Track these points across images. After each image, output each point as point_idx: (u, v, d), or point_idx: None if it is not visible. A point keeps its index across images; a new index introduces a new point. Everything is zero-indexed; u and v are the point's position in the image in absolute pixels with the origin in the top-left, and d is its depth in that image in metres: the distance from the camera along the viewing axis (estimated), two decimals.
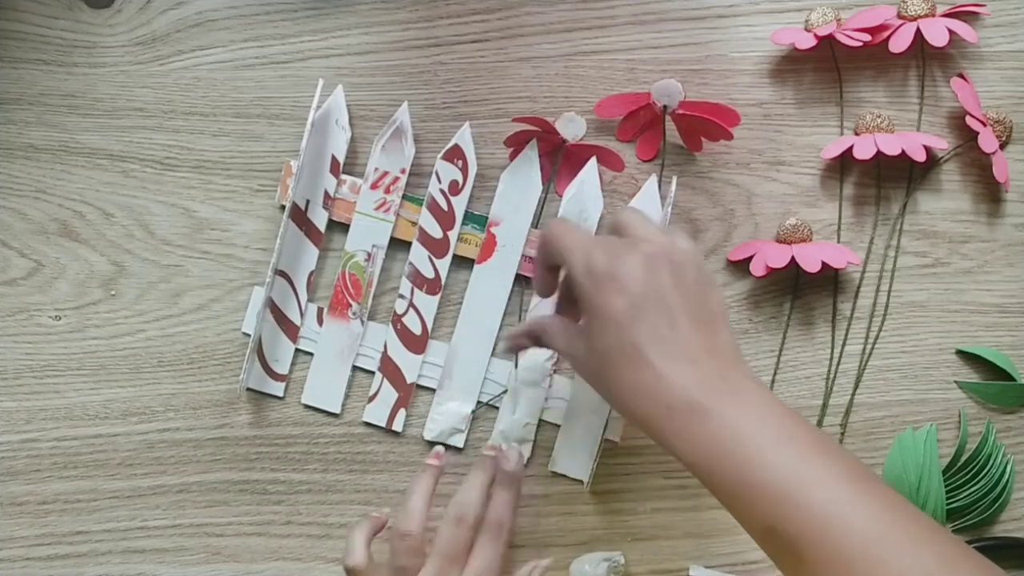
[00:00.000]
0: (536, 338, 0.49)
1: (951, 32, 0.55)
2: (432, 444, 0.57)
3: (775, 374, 0.57)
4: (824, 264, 0.54)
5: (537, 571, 0.53)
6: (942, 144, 0.56)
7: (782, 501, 0.39)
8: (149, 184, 0.58)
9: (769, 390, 0.44)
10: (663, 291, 0.43)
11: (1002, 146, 0.57)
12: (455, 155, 0.56)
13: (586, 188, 0.56)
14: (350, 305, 0.56)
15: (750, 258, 0.56)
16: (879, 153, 0.54)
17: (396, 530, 0.50)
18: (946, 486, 0.57)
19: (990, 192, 0.58)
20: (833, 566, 0.37)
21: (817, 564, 0.38)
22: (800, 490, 0.39)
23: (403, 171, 0.56)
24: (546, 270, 0.48)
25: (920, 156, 0.55)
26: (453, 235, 0.56)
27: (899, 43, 0.55)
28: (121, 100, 0.58)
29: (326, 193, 0.56)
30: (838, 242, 0.57)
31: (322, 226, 0.56)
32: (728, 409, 0.41)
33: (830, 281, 0.58)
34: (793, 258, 0.54)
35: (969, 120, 0.56)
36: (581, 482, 0.57)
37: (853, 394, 0.57)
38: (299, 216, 0.56)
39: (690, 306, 0.43)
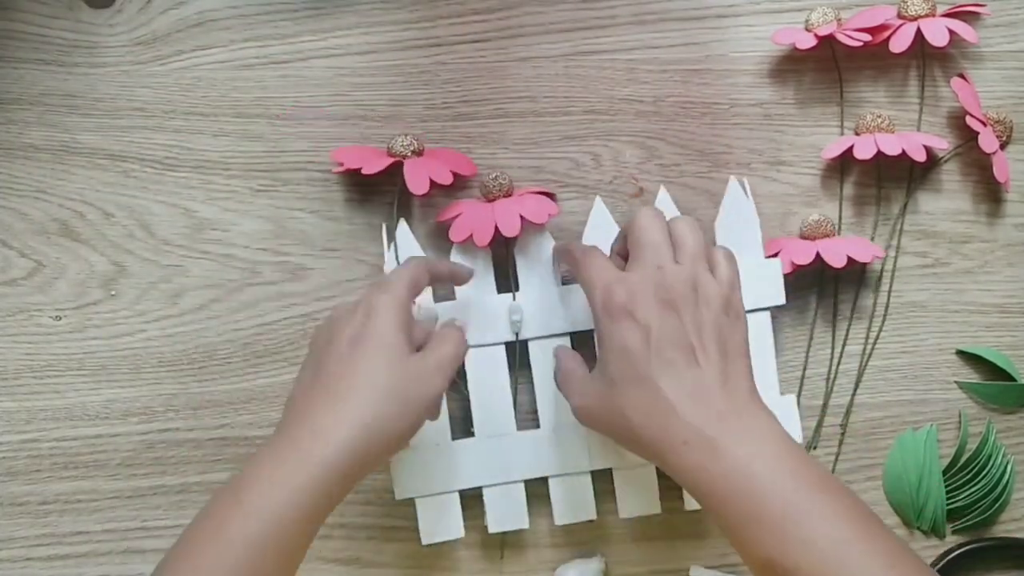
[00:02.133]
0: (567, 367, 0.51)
1: (951, 32, 0.55)
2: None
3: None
4: (850, 259, 0.54)
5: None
6: (942, 144, 0.56)
7: (784, 536, 0.40)
8: (149, 184, 0.58)
9: (780, 425, 0.44)
10: (682, 326, 0.44)
11: (1002, 146, 0.57)
12: None
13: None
14: None
15: (774, 255, 0.56)
16: (879, 153, 0.54)
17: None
18: (946, 486, 0.57)
19: (990, 192, 0.58)
20: None
21: None
22: (802, 526, 0.40)
23: None
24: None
25: (920, 156, 0.55)
26: None
27: (899, 43, 0.55)
28: (121, 100, 0.58)
29: None
30: None
31: None
32: (741, 447, 0.42)
33: (830, 281, 0.58)
34: (818, 254, 0.54)
35: (969, 120, 0.56)
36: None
37: (853, 394, 0.57)
38: None
39: (709, 341, 0.44)
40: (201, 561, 0.40)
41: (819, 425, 0.57)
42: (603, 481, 0.56)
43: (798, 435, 0.54)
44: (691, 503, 0.56)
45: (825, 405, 0.57)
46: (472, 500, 0.56)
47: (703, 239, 0.48)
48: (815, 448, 0.57)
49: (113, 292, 0.58)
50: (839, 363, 0.57)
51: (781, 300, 0.54)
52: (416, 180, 0.54)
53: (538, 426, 0.55)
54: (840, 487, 0.43)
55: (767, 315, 0.55)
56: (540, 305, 0.55)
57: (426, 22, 0.58)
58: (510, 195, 0.56)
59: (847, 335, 0.57)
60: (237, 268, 0.58)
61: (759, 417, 0.43)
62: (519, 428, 0.55)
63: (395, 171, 0.55)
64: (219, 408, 0.57)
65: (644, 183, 0.58)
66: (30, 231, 0.58)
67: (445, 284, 0.55)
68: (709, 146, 0.58)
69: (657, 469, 0.55)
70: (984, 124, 0.56)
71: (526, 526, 0.55)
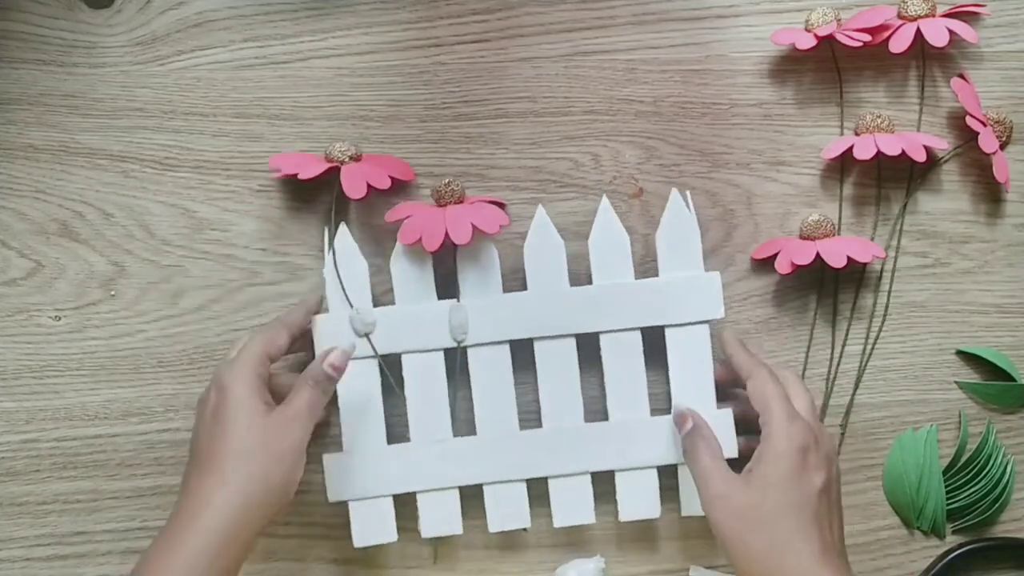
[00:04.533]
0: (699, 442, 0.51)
1: (951, 32, 0.55)
2: None
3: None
4: (850, 259, 0.54)
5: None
6: (942, 144, 0.56)
7: None
8: (149, 184, 0.58)
9: None
10: (834, 488, 0.49)
11: (1002, 146, 0.57)
12: None
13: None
14: None
15: (771, 257, 0.56)
16: (879, 153, 0.54)
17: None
18: (946, 487, 0.57)
19: (990, 192, 0.58)
20: None
21: None
22: None
23: None
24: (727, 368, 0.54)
25: (920, 156, 0.55)
26: None
27: (899, 43, 0.56)
28: (121, 100, 0.58)
29: None
30: None
31: None
32: None
33: (831, 281, 0.58)
34: (818, 254, 0.54)
35: (969, 120, 0.56)
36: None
37: (853, 394, 0.57)
38: None
39: (838, 508, 0.49)
40: None
41: None
42: (604, 483, 0.55)
43: (732, 448, 0.54)
44: (688, 508, 0.55)
45: (825, 405, 0.57)
46: (472, 500, 0.55)
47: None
48: None
49: (113, 292, 0.58)
50: (839, 363, 0.57)
51: (720, 313, 0.54)
52: (352, 185, 0.54)
53: (475, 432, 0.55)
54: None
55: (706, 328, 0.55)
56: (482, 313, 0.55)
57: (426, 22, 0.58)
58: (461, 202, 0.56)
59: (847, 335, 0.57)
60: (237, 268, 0.58)
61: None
62: (457, 434, 0.55)
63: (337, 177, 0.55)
64: None
65: (644, 183, 0.58)
66: (29, 231, 0.58)
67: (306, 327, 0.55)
68: (709, 146, 0.58)
69: (657, 471, 0.55)
70: (984, 124, 0.56)
71: (460, 532, 0.55)
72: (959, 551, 0.56)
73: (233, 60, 0.58)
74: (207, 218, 0.58)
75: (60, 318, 0.57)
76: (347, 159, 0.55)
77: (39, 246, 0.58)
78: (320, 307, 0.55)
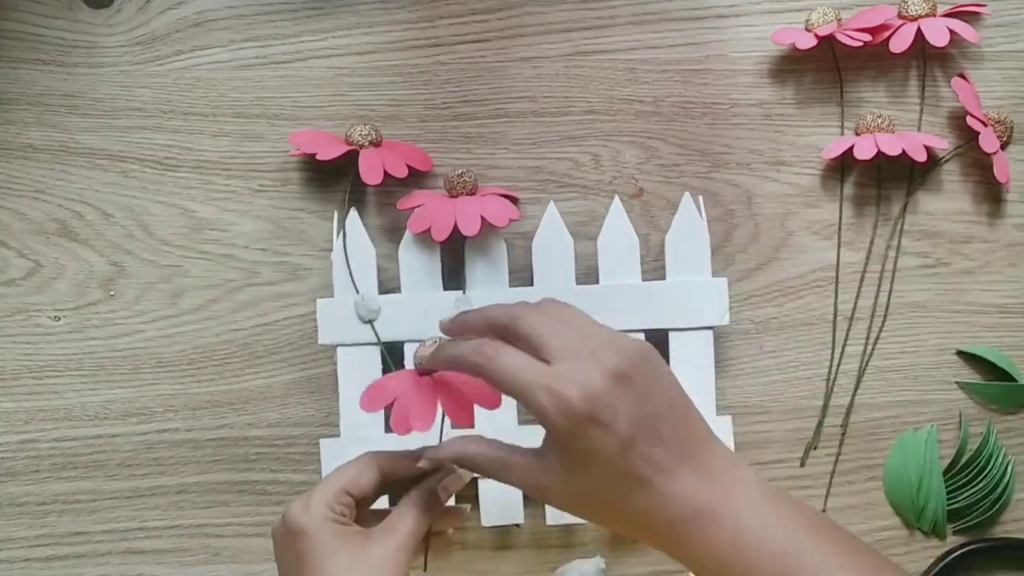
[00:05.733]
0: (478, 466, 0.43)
1: (952, 32, 0.55)
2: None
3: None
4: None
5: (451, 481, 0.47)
6: (943, 144, 0.56)
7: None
8: (148, 184, 0.58)
9: (753, 472, 0.42)
10: (647, 413, 0.40)
11: (1003, 146, 0.57)
12: None
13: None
14: None
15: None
16: (880, 153, 0.54)
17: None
18: (947, 487, 0.56)
19: (991, 192, 0.58)
20: None
21: None
22: (796, 571, 0.40)
23: None
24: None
25: (921, 156, 0.55)
26: None
27: (900, 43, 0.55)
28: (120, 100, 0.58)
29: None
30: (839, 243, 0.57)
31: None
32: (722, 508, 0.40)
33: (831, 281, 0.58)
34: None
35: (970, 120, 0.55)
36: None
37: (854, 395, 0.57)
38: None
39: (670, 413, 0.41)
40: None
41: (819, 425, 0.57)
42: None
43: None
44: None
45: (825, 405, 0.57)
46: (469, 500, 0.55)
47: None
48: (815, 448, 0.57)
49: (112, 292, 0.58)
50: (839, 363, 0.57)
51: (724, 320, 0.54)
52: (370, 170, 0.54)
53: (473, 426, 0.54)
54: (828, 525, 0.42)
55: (710, 334, 0.55)
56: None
57: (426, 22, 0.58)
58: (474, 194, 0.56)
59: (847, 335, 0.57)
60: (236, 268, 0.58)
61: (731, 470, 0.42)
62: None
63: (355, 161, 0.55)
64: (218, 409, 0.57)
65: (644, 183, 0.58)
66: (29, 231, 0.58)
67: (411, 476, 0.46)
68: (709, 146, 0.58)
69: None
70: (985, 124, 0.56)
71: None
72: (960, 551, 0.56)
73: (233, 60, 0.58)
74: (207, 218, 0.58)
75: (59, 318, 0.57)
76: (367, 143, 0.55)
77: (38, 246, 0.58)
78: (447, 493, 0.47)
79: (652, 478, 0.40)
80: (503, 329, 0.42)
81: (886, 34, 0.56)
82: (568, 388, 0.39)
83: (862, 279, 0.58)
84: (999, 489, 0.56)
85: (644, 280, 0.55)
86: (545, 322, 0.41)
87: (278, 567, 0.44)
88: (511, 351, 0.41)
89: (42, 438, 0.57)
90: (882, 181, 0.58)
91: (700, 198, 0.56)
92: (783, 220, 0.58)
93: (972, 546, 0.56)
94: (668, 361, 0.55)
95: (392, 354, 0.55)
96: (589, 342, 0.40)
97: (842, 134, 0.58)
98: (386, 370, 0.55)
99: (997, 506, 0.56)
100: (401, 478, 0.46)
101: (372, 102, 0.58)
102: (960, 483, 0.57)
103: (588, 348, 0.40)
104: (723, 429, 0.54)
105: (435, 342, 0.46)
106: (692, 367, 0.54)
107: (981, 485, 0.56)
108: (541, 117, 0.58)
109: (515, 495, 0.55)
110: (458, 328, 0.45)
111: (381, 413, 0.55)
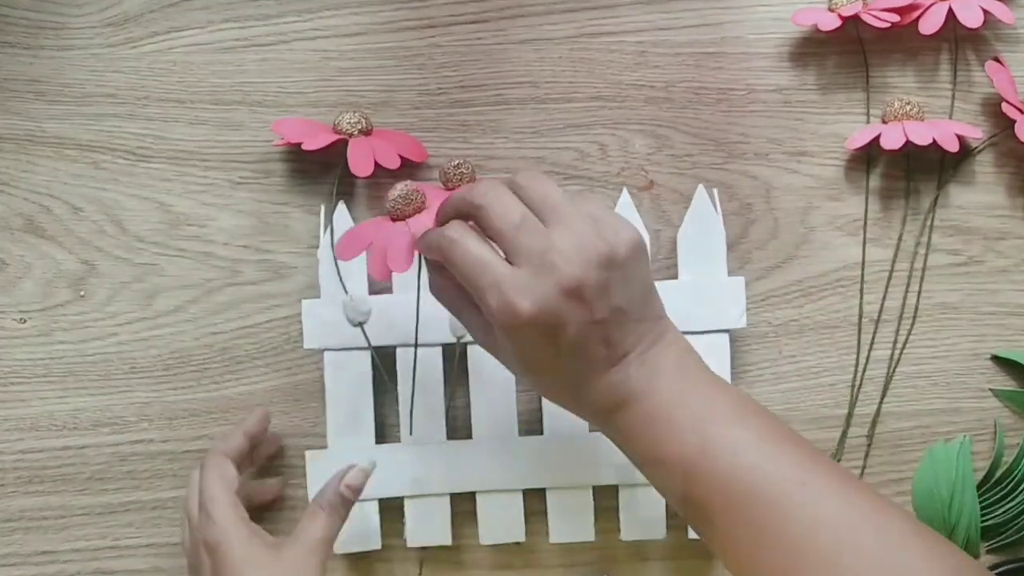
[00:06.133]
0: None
1: (985, 12, 0.55)
2: None
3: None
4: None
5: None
6: (976, 133, 0.56)
7: (690, 472, 0.41)
8: (121, 176, 0.57)
9: (690, 351, 0.44)
10: (596, 321, 0.41)
11: None
12: None
13: None
14: None
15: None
16: (908, 143, 0.54)
17: None
18: (981, 502, 0.55)
19: None
20: (744, 528, 0.40)
21: (727, 529, 0.41)
22: (707, 460, 0.41)
23: None
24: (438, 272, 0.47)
25: (953, 146, 0.54)
26: None
27: (930, 24, 0.55)
28: (91, 85, 0.57)
29: None
30: (864, 240, 0.56)
31: None
32: (643, 394, 0.42)
33: (855, 280, 0.56)
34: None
35: (1005, 107, 0.55)
36: None
37: (880, 403, 0.56)
38: None
39: (632, 307, 0.43)
40: None
41: (844, 436, 0.56)
42: (609, 498, 0.54)
43: None
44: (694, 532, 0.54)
45: (850, 415, 0.56)
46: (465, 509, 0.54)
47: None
48: (839, 461, 0.56)
49: (82, 293, 0.57)
50: (865, 369, 0.56)
51: (741, 323, 0.54)
52: (359, 161, 0.53)
53: (471, 436, 0.54)
54: (751, 409, 0.43)
55: (726, 337, 0.54)
56: None
57: (419, 1, 0.57)
58: None
59: (873, 339, 0.56)
60: (216, 267, 0.57)
61: (664, 352, 0.43)
62: (452, 437, 0.54)
63: (343, 151, 0.54)
64: (196, 418, 0.56)
65: (654, 175, 0.57)
66: None
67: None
68: (724, 135, 0.57)
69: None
70: (1021, 111, 0.54)
71: (449, 542, 0.54)
72: (995, 572, 0.54)
73: (211, 42, 0.57)
74: (184, 212, 0.57)
75: (25, 320, 0.56)
76: (356, 132, 0.54)
77: (2, 243, 0.57)
78: (267, 419, 0.53)
79: (579, 387, 0.43)
80: (472, 215, 0.44)
81: (915, 14, 0.56)
82: (519, 298, 0.40)
83: (889, 278, 0.56)
84: None
85: (655, 279, 0.53)
86: (511, 214, 0.42)
87: None
88: (473, 241, 0.42)
89: (6, 450, 0.56)
90: (911, 173, 0.57)
91: (715, 191, 0.55)
92: (804, 215, 0.56)
93: (1008, 566, 0.55)
94: None
95: (383, 359, 0.54)
96: (554, 249, 0.41)
97: (868, 122, 0.57)
98: (376, 377, 0.54)
99: None
100: (257, 437, 0.52)
101: (361, 87, 0.57)
102: (995, 498, 0.55)
103: (550, 258, 0.41)
104: None
105: (406, 185, 0.49)
106: None
107: (1018, 500, 0.55)
108: (543, 104, 0.57)
109: (516, 512, 0.54)
110: (440, 211, 0.46)
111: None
